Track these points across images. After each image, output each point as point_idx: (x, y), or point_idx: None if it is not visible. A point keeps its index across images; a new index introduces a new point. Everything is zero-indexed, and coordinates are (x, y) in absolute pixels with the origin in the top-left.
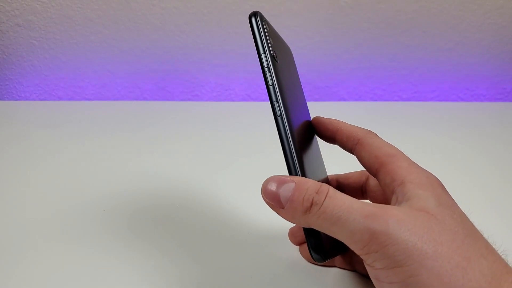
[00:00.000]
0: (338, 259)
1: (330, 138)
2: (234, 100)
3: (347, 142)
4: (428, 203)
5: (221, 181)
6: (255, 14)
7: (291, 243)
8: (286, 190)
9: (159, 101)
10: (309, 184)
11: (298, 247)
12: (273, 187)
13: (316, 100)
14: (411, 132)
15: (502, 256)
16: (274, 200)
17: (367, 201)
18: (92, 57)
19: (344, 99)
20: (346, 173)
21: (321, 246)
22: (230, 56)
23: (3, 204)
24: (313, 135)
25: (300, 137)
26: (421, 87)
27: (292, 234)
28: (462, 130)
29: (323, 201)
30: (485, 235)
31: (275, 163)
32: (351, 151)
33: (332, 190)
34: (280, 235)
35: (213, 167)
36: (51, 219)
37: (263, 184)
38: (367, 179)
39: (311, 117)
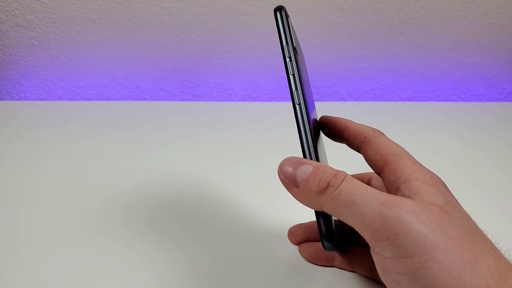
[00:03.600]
0: (337, 259)
1: (338, 136)
2: (234, 100)
3: (354, 140)
4: (438, 198)
5: (221, 181)
6: (280, 8)
7: (290, 243)
8: (303, 171)
9: (159, 101)
10: (327, 168)
11: (297, 247)
12: (291, 166)
13: (316, 100)
14: (411, 132)
15: (505, 255)
16: (290, 179)
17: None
18: (92, 57)
19: (344, 99)
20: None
21: (332, 235)
22: (230, 56)
23: (3, 204)
24: (320, 135)
25: (312, 132)
26: (421, 87)
27: (291, 233)
28: (462, 130)
29: (340, 184)
30: (488, 235)
31: (276, 163)
32: (357, 149)
33: (349, 176)
34: (280, 235)
35: (213, 167)
36: (51, 219)
37: (281, 163)
38: (369, 180)
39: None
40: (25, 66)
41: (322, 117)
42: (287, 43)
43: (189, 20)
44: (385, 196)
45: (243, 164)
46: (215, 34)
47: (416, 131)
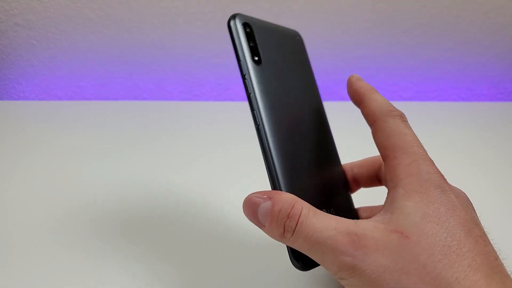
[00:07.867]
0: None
1: (358, 107)
2: (234, 100)
3: (366, 119)
4: (407, 219)
5: (221, 181)
6: (233, 17)
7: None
8: (262, 213)
9: (159, 100)
10: (281, 204)
11: None
12: (250, 208)
13: None
14: None
15: (496, 270)
16: (254, 220)
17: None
18: (92, 57)
19: (344, 99)
20: (360, 161)
21: (300, 254)
22: (230, 55)
23: (1, 204)
24: (323, 123)
25: (294, 135)
26: (421, 87)
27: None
28: (463, 130)
29: (295, 228)
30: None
31: None
32: None
33: (304, 212)
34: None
35: (213, 167)
36: (50, 219)
37: (243, 204)
38: (380, 167)
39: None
40: (24, 65)
41: (348, 80)
42: (242, 58)
43: (189, 19)
44: (341, 237)
45: (244, 164)
46: (215, 34)
47: (417, 131)
